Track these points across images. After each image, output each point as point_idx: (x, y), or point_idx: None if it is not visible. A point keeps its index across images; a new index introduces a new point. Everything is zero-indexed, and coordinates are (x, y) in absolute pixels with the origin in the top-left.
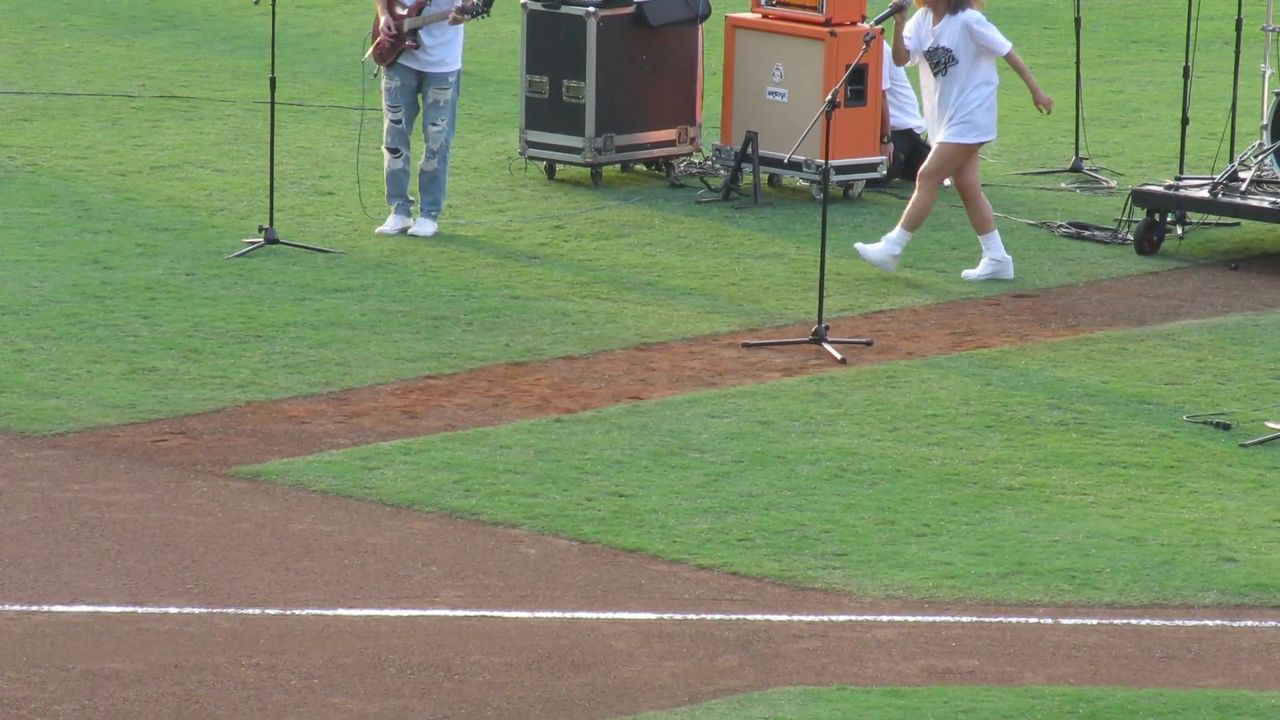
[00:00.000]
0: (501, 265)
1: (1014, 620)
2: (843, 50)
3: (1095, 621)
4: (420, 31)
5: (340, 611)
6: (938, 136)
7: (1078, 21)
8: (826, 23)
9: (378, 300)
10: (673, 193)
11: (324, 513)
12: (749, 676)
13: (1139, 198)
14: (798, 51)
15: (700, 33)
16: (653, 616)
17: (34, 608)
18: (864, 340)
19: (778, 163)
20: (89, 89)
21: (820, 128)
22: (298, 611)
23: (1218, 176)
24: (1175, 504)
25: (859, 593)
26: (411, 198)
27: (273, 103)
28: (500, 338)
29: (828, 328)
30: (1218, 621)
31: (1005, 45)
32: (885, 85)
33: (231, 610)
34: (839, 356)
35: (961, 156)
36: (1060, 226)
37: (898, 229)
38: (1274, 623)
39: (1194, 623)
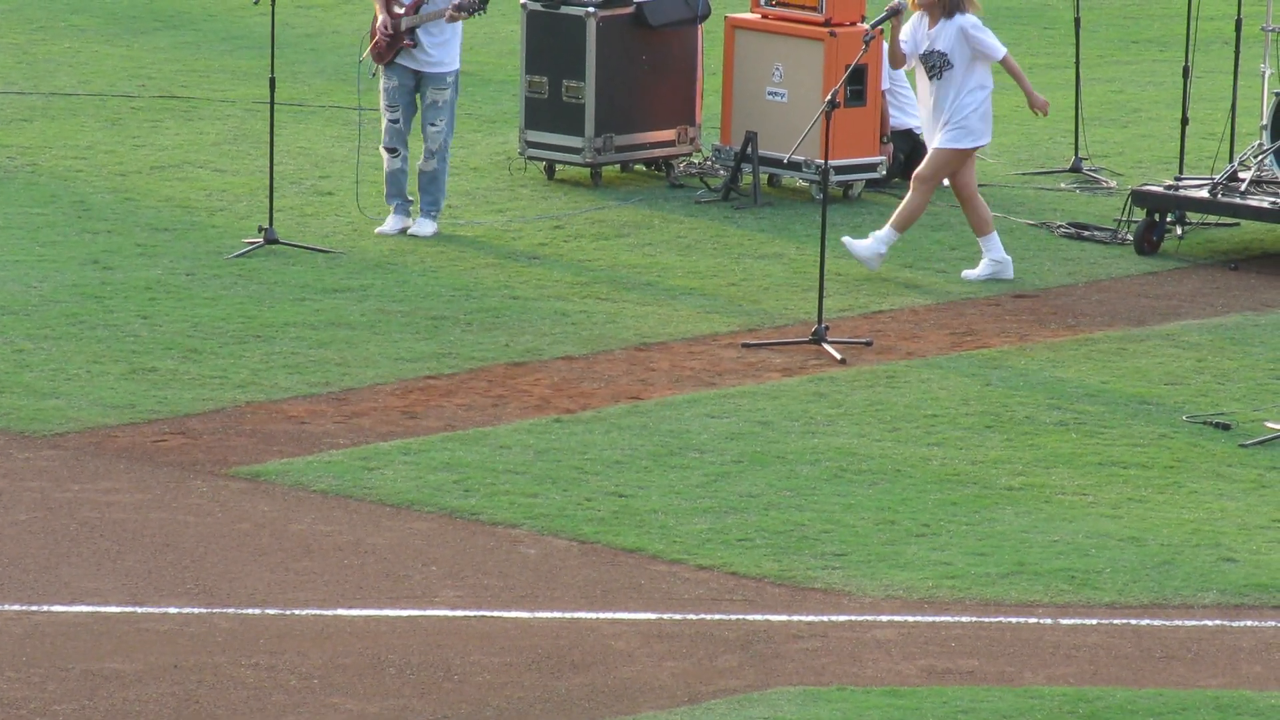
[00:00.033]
0: (501, 265)
1: (1014, 620)
2: (842, 50)
3: (1095, 621)
4: (418, 31)
5: (340, 611)
6: (933, 141)
7: (1077, 22)
8: (826, 23)
9: (377, 300)
10: (672, 193)
11: (324, 513)
12: (749, 677)
13: (1139, 198)
14: (797, 52)
15: (700, 33)
16: (652, 617)
17: (34, 608)
18: (864, 340)
19: (777, 163)
20: (89, 89)
21: (820, 128)
22: (297, 612)
23: (1217, 177)
24: (1175, 504)
25: (859, 593)
26: (411, 198)
27: (272, 103)
28: (500, 338)
29: (827, 328)
30: (1217, 621)
31: (1000, 50)
32: (885, 85)
33: (231, 610)
34: (839, 357)
35: (956, 162)
36: (1060, 227)
37: (887, 228)
38: (1274, 623)
39: (1194, 623)
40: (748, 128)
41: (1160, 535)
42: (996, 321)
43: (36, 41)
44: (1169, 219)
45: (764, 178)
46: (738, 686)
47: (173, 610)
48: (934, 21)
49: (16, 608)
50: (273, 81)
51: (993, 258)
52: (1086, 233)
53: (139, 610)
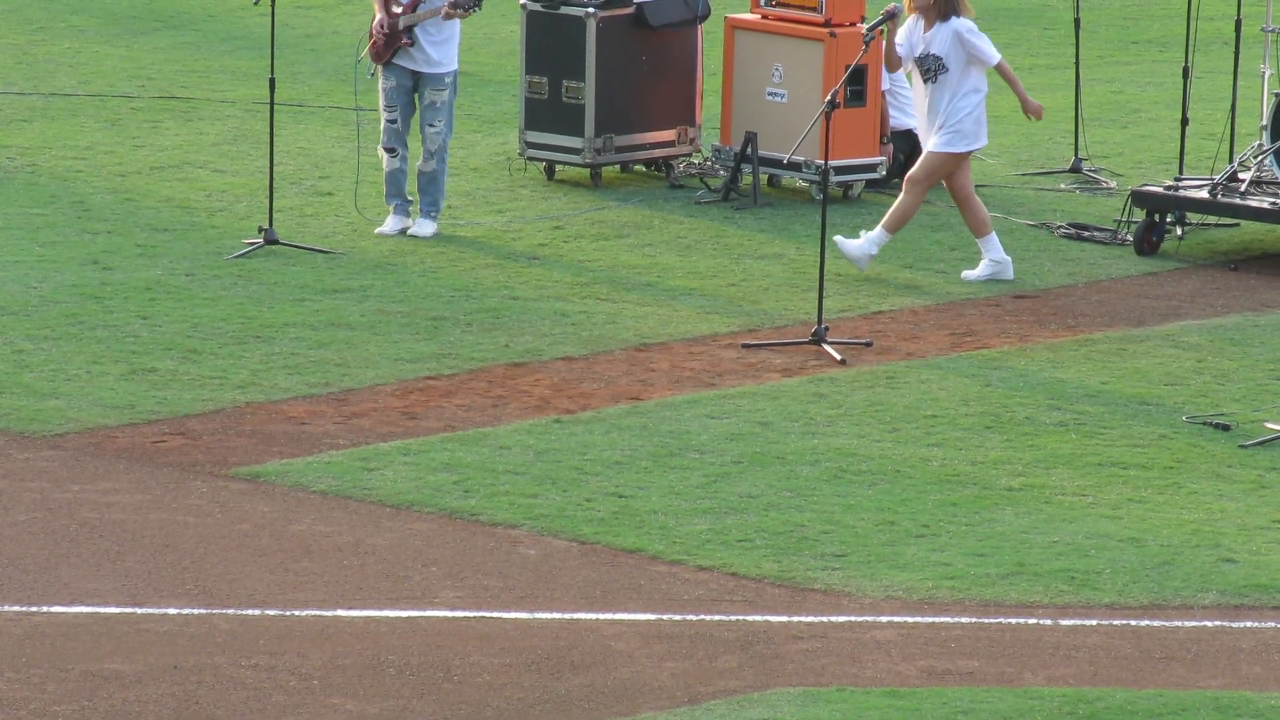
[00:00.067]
0: (501, 266)
1: (1013, 621)
2: (842, 51)
3: (1095, 622)
4: (417, 30)
5: (340, 612)
6: (927, 144)
7: (1077, 22)
8: (826, 23)
9: (377, 301)
10: (672, 193)
11: (323, 513)
12: (748, 677)
13: (1138, 198)
14: (797, 52)
15: (700, 33)
16: (652, 617)
17: (33, 608)
18: (863, 341)
19: (777, 163)
20: (88, 90)
21: (820, 128)
22: (297, 612)
23: (1217, 177)
24: (1175, 505)
25: (858, 594)
26: (410, 198)
27: (272, 103)
28: (500, 338)
29: (827, 328)
30: (1217, 622)
31: (995, 56)
32: (885, 86)
33: (231, 611)
34: (838, 357)
35: (950, 165)
36: (1060, 227)
37: (878, 229)
38: (1273, 624)
39: (1193, 623)
40: (747, 128)
41: (1160, 536)
42: (996, 322)
43: (36, 42)
44: (1169, 219)
45: (764, 178)
46: (737, 687)
47: (172, 611)
48: (929, 25)
49: (16, 608)
50: (272, 82)
51: (992, 258)
52: (1086, 233)
53: (139, 611)
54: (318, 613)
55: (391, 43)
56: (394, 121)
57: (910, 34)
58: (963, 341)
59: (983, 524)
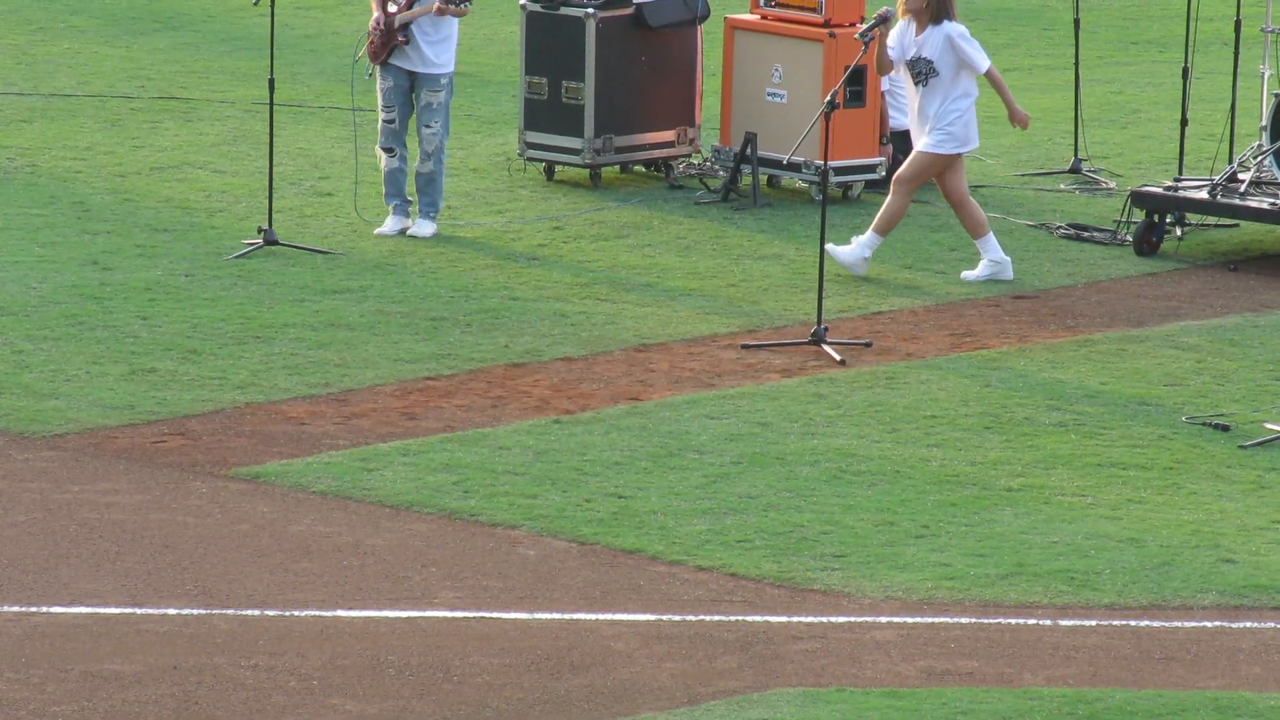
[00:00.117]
0: (500, 266)
1: (1013, 621)
2: (842, 51)
3: (1094, 623)
4: (414, 30)
5: (339, 613)
6: (916, 145)
7: (1077, 23)
8: (825, 24)
9: (377, 301)
10: (672, 194)
11: (323, 514)
12: (748, 678)
13: (1138, 199)
14: (797, 53)
15: (699, 34)
16: (652, 618)
17: (33, 609)
18: (863, 341)
19: (777, 164)
20: (88, 90)
21: (819, 129)
22: (297, 613)
23: (1217, 178)
24: (1174, 505)
25: (858, 594)
26: (410, 198)
27: (271, 104)
28: (499, 339)
29: (827, 329)
30: (1217, 623)
31: (985, 62)
32: (884, 87)
33: (230, 611)
34: (838, 358)
35: (938, 166)
36: (1059, 228)
37: (869, 233)
38: (1273, 624)
39: (1193, 624)
40: (747, 129)
41: (1159, 536)
42: (996, 323)
43: (36, 42)
44: (1168, 220)
45: (763, 179)
46: (737, 688)
47: (172, 611)
48: (921, 28)
49: (16, 609)
50: (272, 82)
51: (991, 259)
52: (1086, 234)
53: (138, 611)
54: (317, 613)
55: (388, 41)
56: (391, 122)
57: (902, 36)
58: (962, 342)
59: (982, 524)
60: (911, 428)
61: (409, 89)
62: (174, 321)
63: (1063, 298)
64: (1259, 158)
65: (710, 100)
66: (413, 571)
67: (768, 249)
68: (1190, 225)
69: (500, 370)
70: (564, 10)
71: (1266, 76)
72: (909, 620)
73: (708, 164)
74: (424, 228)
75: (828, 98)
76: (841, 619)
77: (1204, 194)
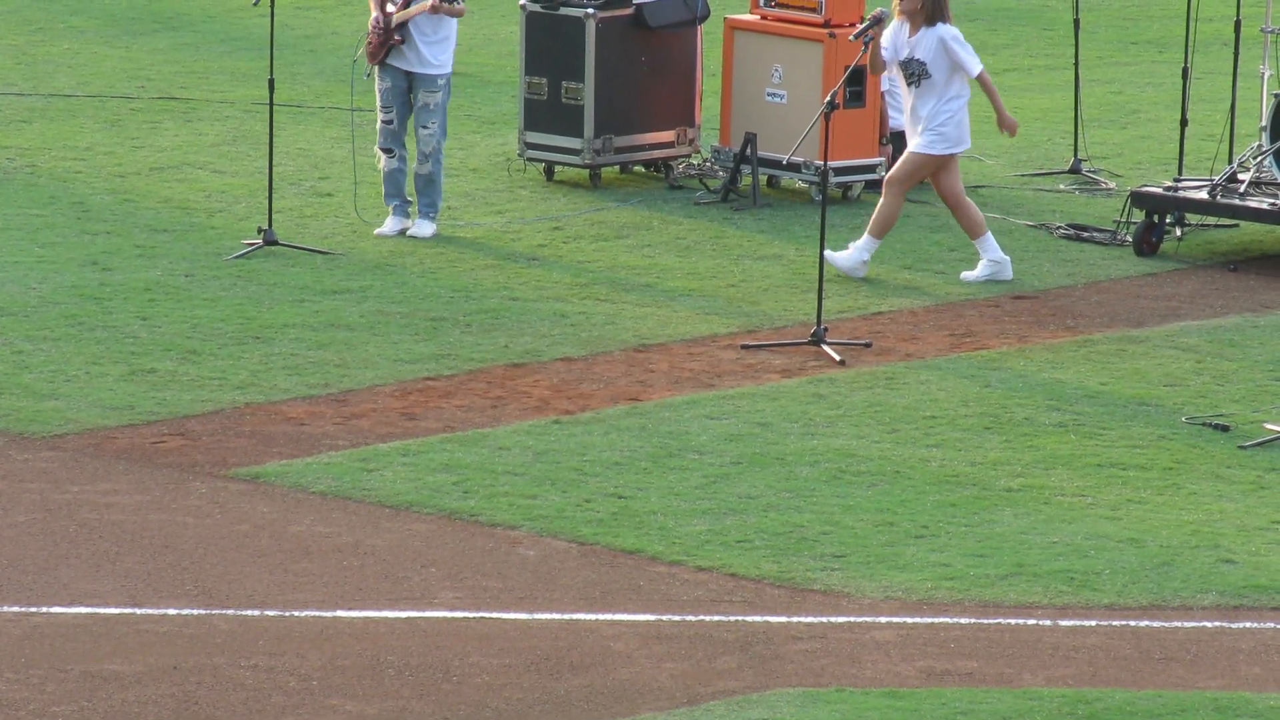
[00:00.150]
0: (500, 267)
1: (1013, 622)
2: (841, 52)
3: (1094, 623)
4: (412, 30)
5: (339, 613)
6: (909, 145)
7: (1076, 23)
8: (825, 24)
9: (376, 302)
10: (671, 194)
11: (323, 514)
12: (748, 678)
13: (1138, 199)
14: (796, 53)
15: (699, 34)
16: (651, 618)
17: (33, 609)
18: (863, 342)
19: (776, 164)
20: (88, 90)
21: (819, 129)
22: (296, 613)
23: (1216, 178)
24: (1174, 506)
25: (858, 594)
26: (410, 199)
27: (271, 104)
28: (499, 339)
29: (826, 329)
30: (1216, 623)
31: (977, 66)
32: (884, 87)
33: (230, 612)
34: (838, 358)
35: (929, 166)
36: (1059, 228)
37: (865, 236)
38: (1273, 624)
39: (1193, 624)
40: (747, 129)
41: (1159, 537)
42: (995, 323)
43: (36, 43)
44: (1168, 220)
45: (763, 179)
46: (737, 688)
47: (172, 612)
48: (914, 29)
49: (15, 609)
50: (271, 83)
51: (990, 258)
52: (1086, 234)
53: (138, 612)
54: (317, 613)
55: (385, 41)
56: (390, 123)
57: (895, 37)
58: (962, 342)
59: (982, 525)
60: (911, 428)
61: (407, 89)
62: (174, 322)
63: (1062, 298)
64: (1259, 158)
65: (710, 100)
66: (412, 572)
67: (767, 249)
68: (1190, 225)
69: (500, 370)
70: (564, 10)
71: (1266, 76)
72: (909, 620)
73: (707, 164)
74: (424, 228)
75: (828, 98)
76: (841, 619)
77: (1204, 194)
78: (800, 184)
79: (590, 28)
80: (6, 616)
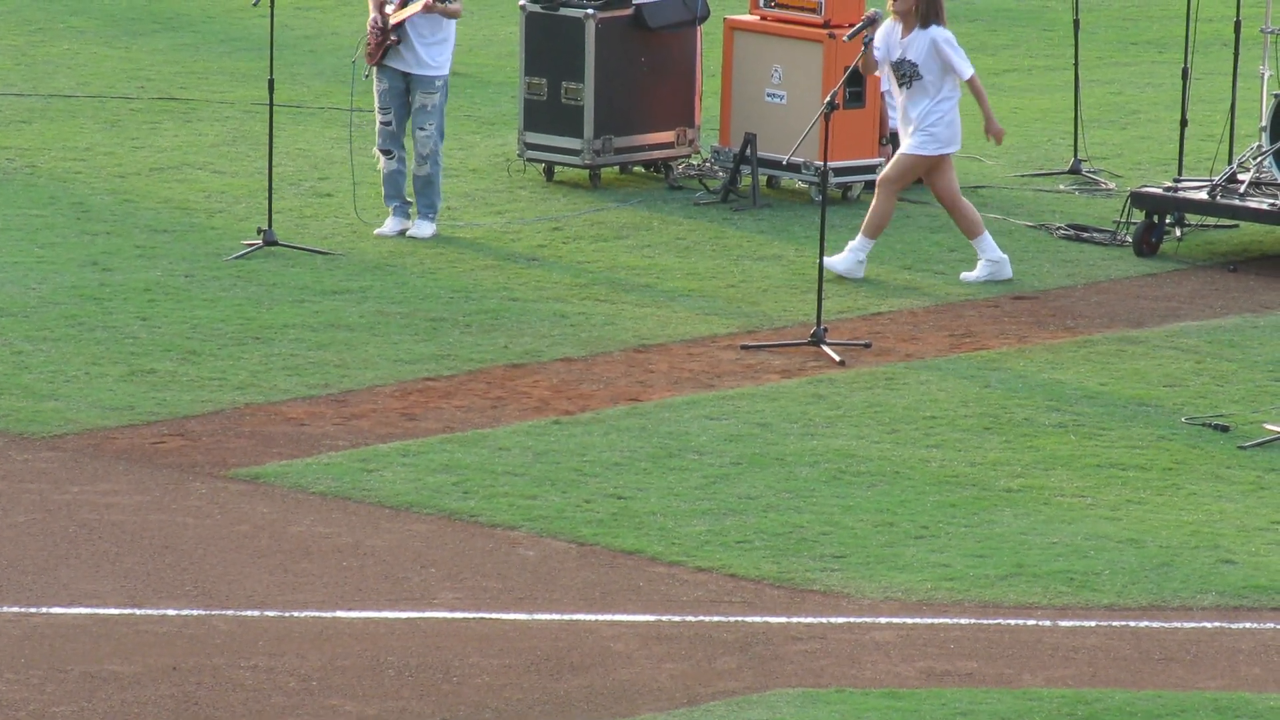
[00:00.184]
0: (500, 267)
1: (1012, 622)
2: (841, 52)
3: (1094, 623)
4: (409, 31)
5: (339, 613)
6: (901, 146)
7: (1076, 23)
8: (825, 24)
9: (376, 302)
10: (671, 195)
11: (323, 515)
12: (747, 678)
13: (1138, 199)
14: (796, 53)
15: (699, 35)
16: (651, 618)
17: (32, 610)
18: (862, 342)
19: (776, 164)
20: (87, 91)
21: (819, 129)
22: (296, 613)
23: (1216, 178)
24: (1174, 506)
25: (857, 595)
26: (409, 199)
27: (271, 104)
28: (499, 339)
29: (826, 330)
30: (1216, 623)
31: (968, 70)
32: (884, 88)
33: (230, 612)
34: (837, 358)
35: (921, 167)
36: (1059, 228)
37: (859, 237)
38: (1272, 625)
39: (1192, 625)
40: (747, 129)
41: (1159, 537)
42: (995, 323)
43: (35, 43)
44: (1168, 221)
45: (763, 179)
46: (736, 688)
47: (171, 612)
48: (907, 30)
49: (15, 609)
50: (271, 83)
51: (988, 258)
52: (1085, 234)
53: (138, 612)
54: (317, 614)
55: (383, 42)
56: (389, 124)
57: (887, 37)
58: (962, 343)
59: (982, 525)
60: (911, 428)
61: (405, 91)
62: (173, 322)
63: (1062, 298)
64: (1258, 158)
65: (710, 101)
66: (412, 572)
67: (767, 250)
68: (1190, 226)
69: (500, 371)
70: (563, 11)
71: (1266, 77)
72: (908, 621)
73: (707, 165)
74: (423, 228)
75: (827, 98)
76: (841, 620)
77: (1203, 195)
78: (800, 184)
79: (590, 28)
80: (6, 616)
